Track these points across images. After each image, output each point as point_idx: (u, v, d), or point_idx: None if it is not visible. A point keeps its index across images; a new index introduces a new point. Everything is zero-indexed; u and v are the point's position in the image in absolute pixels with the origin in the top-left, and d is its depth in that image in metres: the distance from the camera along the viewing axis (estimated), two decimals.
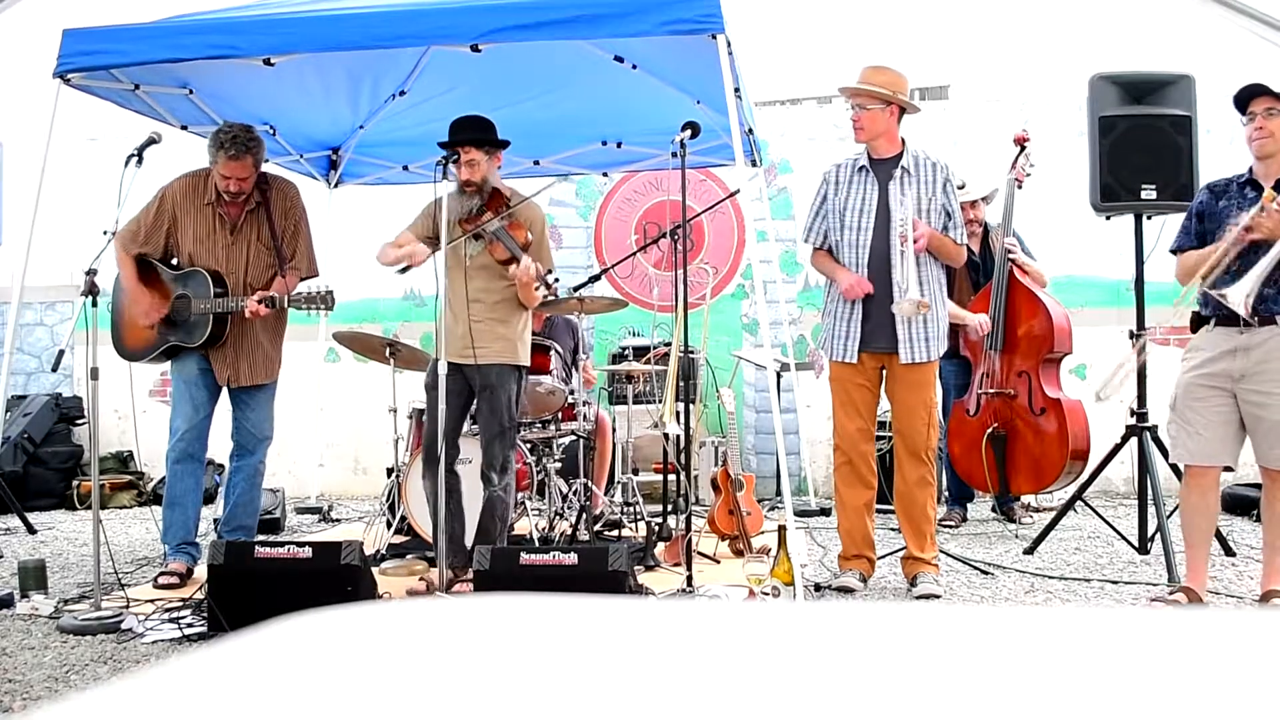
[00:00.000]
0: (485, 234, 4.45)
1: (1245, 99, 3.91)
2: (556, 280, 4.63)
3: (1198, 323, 4.03)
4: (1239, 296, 3.72)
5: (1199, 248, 3.99)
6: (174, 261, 4.82)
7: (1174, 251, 4.14)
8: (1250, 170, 3.97)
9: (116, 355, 4.94)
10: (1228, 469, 4.04)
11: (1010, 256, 5.68)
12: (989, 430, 5.66)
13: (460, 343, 4.43)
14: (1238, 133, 4.06)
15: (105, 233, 4.28)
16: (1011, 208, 5.72)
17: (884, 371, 4.41)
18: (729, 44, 4.14)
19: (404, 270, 4.63)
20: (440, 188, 4.36)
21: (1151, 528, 4.96)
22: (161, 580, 4.66)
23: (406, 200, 6.47)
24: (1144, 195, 4.96)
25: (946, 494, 6.25)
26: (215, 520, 5.81)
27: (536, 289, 4.44)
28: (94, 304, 4.13)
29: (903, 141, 4.38)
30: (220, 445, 5.18)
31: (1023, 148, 5.63)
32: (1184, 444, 3.99)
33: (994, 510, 6.23)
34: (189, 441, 4.81)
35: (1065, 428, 5.49)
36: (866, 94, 4.31)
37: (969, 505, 6.30)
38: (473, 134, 4.48)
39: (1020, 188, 5.68)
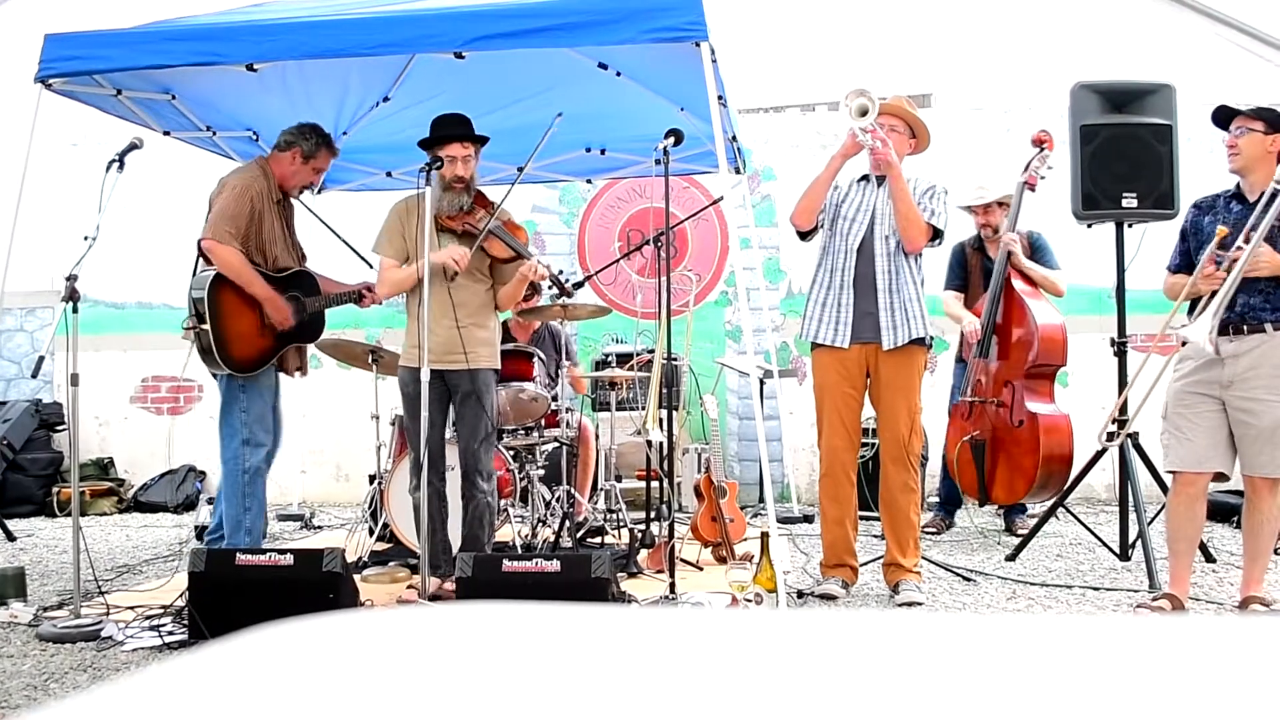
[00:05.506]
0: (479, 231, 4.43)
1: (1223, 120, 3.98)
2: (569, 280, 4.63)
3: None
4: (1200, 335, 3.76)
5: (1190, 266, 4.02)
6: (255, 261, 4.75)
7: (1168, 269, 4.20)
8: (1237, 185, 4.01)
9: (229, 370, 4.62)
10: (1222, 477, 4.02)
11: (1010, 250, 5.49)
12: (967, 437, 5.64)
13: (444, 348, 4.42)
14: (1218, 142, 4.10)
15: (86, 238, 4.22)
16: (1018, 211, 5.51)
17: (868, 378, 4.42)
18: (713, 51, 4.14)
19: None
20: (425, 193, 4.35)
21: (1133, 534, 4.98)
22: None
23: (390, 206, 6.46)
24: (1125, 203, 5.00)
25: (935, 498, 6.22)
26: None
27: (549, 287, 4.45)
28: (74, 309, 4.11)
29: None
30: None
31: (1041, 148, 5.33)
32: (1175, 450, 3.99)
33: (1004, 526, 6.15)
34: (266, 459, 4.84)
35: (1038, 442, 5.36)
36: (908, 117, 4.48)
37: (956, 512, 6.28)
38: (462, 129, 4.49)
39: (1033, 191, 5.41)
